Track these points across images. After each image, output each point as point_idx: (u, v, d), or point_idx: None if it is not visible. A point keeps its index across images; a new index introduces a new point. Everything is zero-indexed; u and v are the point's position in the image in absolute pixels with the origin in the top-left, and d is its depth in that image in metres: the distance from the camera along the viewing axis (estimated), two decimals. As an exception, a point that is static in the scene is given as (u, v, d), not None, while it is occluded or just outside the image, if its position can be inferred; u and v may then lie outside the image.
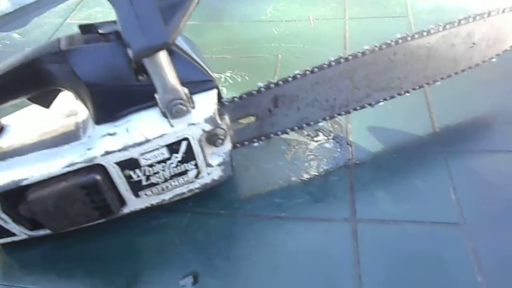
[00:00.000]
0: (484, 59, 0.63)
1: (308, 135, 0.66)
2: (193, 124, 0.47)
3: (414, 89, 0.62)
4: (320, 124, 0.60)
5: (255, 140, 0.57)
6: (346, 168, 0.60)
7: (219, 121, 0.48)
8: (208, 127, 0.48)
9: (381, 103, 0.60)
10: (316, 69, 0.53)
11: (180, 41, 0.49)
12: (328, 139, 0.65)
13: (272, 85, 0.53)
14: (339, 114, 0.59)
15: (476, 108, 0.67)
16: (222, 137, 0.50)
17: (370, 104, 0.60)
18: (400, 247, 0.50)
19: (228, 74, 0.80)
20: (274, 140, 0.61)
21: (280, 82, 0.53)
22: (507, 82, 0.70)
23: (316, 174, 0.60)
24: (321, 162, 0.61)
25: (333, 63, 0.53)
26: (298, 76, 0.53)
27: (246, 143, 0.57)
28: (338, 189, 0.57)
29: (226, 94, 0.73)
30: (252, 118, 0.55)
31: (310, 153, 0.63)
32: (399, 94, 0.61)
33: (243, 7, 1.00)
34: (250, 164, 0.62)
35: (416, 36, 0.56)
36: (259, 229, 0.54)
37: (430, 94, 0.70)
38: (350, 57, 0.54)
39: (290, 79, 0.53)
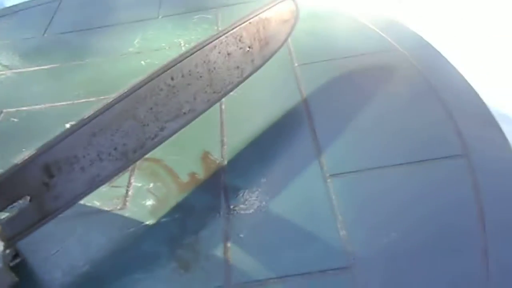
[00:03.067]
0: (265, 58, 0.64)
1: (179, 180, 0.57)
2: None
3: (210, 106, 0.59)
4: (193, 165, 0.54)
5: (41, 222, 0.46)
6: (221, 218, 0.52)
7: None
8: (-49, 239, 0.36)
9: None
10: (86, 120, 0.46)
11: None
12: (202, 183, 0.57)
13: (36, 155, 0.43)
14: (138, 158, 0.53)
15: (355, 121, 0.63)
16: (-16, 240, 0.39)
17: (168, 136, 0.55)
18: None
19: None
20: (135, 191, 0.52)
21: (46, 147, 0.44)
22: (381, 88, 0.69)
23: (186, 230, 0.51)
24: (192, 214, 0.53)
25: (106, 108, 0.46)
26: (67, 133, 0.45)
27: (30, 229, 0.46)
28: (211, 247, 0.48)
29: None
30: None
31: (180, 204, 0.54)
32: (197, 116, 0.58)
33: (107, 41, 0.88)
34: (107, 229, 0.52)
35: (188, 54, 0.53)
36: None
37: (314, 115, 0.64)
38: (123, 95, 0.48)
39: (58, 140, 0.44)
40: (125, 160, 0.51)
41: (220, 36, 0.55)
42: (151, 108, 0.51)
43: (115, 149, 0.49)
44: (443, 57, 0.73)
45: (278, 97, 0.70)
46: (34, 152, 0.43)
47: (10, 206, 0.43)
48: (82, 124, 0.45)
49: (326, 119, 0.64)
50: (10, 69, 0.86)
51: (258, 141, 0.62)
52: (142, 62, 0.82)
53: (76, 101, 0.74)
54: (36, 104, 0.75)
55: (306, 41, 0.80)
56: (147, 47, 0.86)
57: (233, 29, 0.57)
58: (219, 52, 0.56)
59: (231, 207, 0.53)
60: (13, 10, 1.08)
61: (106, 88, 0.75)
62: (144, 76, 0.50)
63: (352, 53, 0.76)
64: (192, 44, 0.54)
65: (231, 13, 0.94)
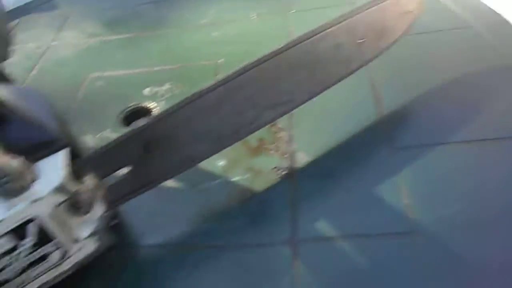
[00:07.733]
0: (376, 52, 0.59)
1: (248, 147, 0.60)
2: (37, 200, 0.38)
3: (311, 97, 0.56)
4: (261, 132, 0.55)
5: (139, 191, 0.49)
6: (288, 181, 0.55)
7: (71, 188, 0.40)
8: (60, 198, 0.40)
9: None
10: (187, 103, 0.47)
11: (19, 97, 0.41)
12: (270, 150, 0.59)
13: (138, 131, 0.45)
14: (231, 143, 0.53)
15: (425, 96, 0.62)
16: (88, 202, 0.42)
17: (264, 124, 0.54)
18: (343, 264, 0.45)
19: (168, 86, 0.74)
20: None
21: (148, 125, 0.46)
22: (455, 65, 0.67)
23: (255, 192, 0.54)
24: (261, 178, 0.55)
25: (206, 92, 0.47)
26: (168, 113, 0.46)
27: (130, 196, 0.49)
28: (278, 206, 0.52)
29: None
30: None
31: (249, 169, 0.57)
32: (296, 107, 0.56)
33: (183, 13, 0.93)
34: (184, 185, 0.56)
35: (295, 43, 0.50)
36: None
37: (378, 85, 0.65)
38: (227, 81, 0.48)
39: (158, 119, 0.46)
40: (218, 144, 0.52)
41: (331, 27, 0.52)
42: (251, 96, 0.50)
43: (210, 132, 0.50)
44: None
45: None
46: (137, 128, 0.45)
47: (112, 174, 0.47)
48: (180, 105, 0.47)
49: (395, 94, 0.64)
50: (93, 36, 0.91)
51: (324, 111, 0.62)
52: (216, 33, 0.84)
53: (153, 69, 0.79)
54: (116, 71, 0.80)
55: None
56: (220, 19, 0.87)
57: (346, 19, 0.53)
58: (328, 43, 0.53)
59: (297, 168, 0.56)
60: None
61: (180, 57, 0.80)
62: (247, 62, 0.49)
63: (425, 30, 0.71)
64: (298, 35, 0.51)
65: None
